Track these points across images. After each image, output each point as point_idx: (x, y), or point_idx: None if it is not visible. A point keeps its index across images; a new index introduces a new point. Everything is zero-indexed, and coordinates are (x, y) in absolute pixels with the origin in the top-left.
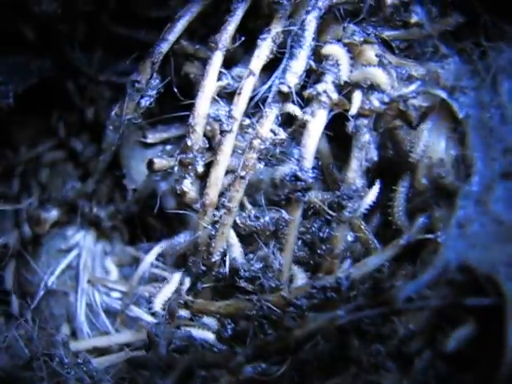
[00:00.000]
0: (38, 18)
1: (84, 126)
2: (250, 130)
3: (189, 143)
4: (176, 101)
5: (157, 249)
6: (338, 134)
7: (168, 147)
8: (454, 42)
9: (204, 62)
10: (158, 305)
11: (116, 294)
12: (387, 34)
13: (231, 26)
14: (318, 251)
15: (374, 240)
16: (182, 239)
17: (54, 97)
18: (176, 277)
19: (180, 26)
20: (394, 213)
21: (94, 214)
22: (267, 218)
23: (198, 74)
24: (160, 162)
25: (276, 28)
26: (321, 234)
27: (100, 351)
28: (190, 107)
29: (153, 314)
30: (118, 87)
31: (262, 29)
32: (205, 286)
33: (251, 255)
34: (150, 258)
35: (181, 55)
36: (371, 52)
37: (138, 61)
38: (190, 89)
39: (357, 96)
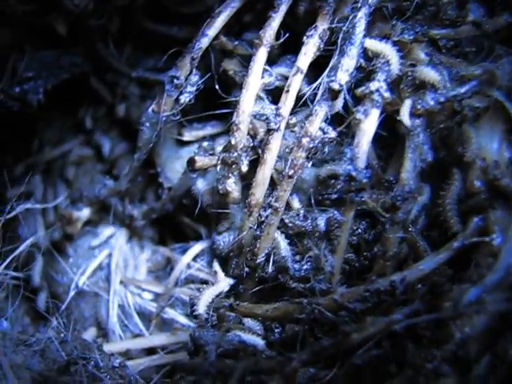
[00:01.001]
0: (70, 13)
1: (113, 122)
2: (296, 129)
3: (233, 141)
4: (212, 97)
5: (194, 249)
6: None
7: (204, 145)
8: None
9: (243, 59)
10: (201, 307)
11: (149, 296)
12: (435, 32)
13: (275, 22)
14: (365, 253)
15: (422, 242)
16: (221, 240)
17: (82, 93)
18: (221, 279)
19: (220, 21)
20: (446, 214)
21: (126, 212)
22: (318, 219)
23: (237, 70)
24: (202, 161)
25: (322, 25)
26: (367, 236)
27: (133, 354)
28: (228, 104)
29: (195, 317)
30: (150, 84)
31: (301, 26)
32: (248, 288)
33: (298, 256)
34: (187, 258)
35: (219, 51)
36: (420, 51)
37: (171, 57)
38: (228, 85)
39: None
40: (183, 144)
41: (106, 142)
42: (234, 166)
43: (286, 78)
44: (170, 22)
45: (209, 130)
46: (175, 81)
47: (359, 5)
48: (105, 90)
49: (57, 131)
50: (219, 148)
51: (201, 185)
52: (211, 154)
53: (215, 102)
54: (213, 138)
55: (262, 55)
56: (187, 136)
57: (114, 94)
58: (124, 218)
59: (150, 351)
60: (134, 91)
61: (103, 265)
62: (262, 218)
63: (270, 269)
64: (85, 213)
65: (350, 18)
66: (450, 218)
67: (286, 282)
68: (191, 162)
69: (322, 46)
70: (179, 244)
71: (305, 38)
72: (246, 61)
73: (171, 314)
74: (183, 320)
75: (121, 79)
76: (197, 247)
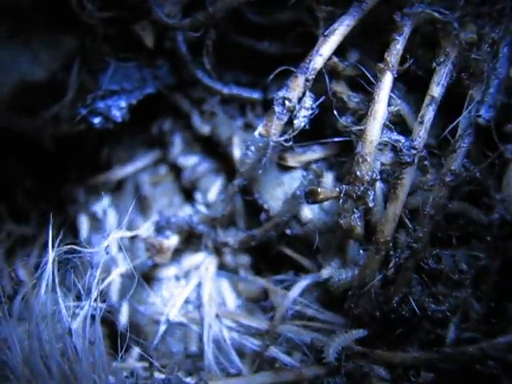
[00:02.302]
0: (157, 23)
1: (195, 140)
2: (426, 163)
3: (358, 174)
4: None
5: (302, 283)
6: None
7: (314, 168)
8: None
9: (350, 81)
10: (331, 354)
11: (248, 331)
12: None
13: (400, 45)
14: None
15: None
16: (337, 277)
17: (159, 108)
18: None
19: (334, 40)
20: None
21: (219, 240)
22: (462, 263)
23: (351, 94)
24: (324, 193)
25: (453, 51)
26: None
27: None
28: (331, 128)
29: (323, 364)
30: (242, 101)
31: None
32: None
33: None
34: (295, 292)
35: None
36: None
37: (264, 74)
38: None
39: None
40: (284, 169)
41: (186, 161)
42: (359, 201)
43: None
44: (255, 36)
45: (312, 154)
46: (287, 103)
47: (499, 33)
48: (188, 106)
49: (127, 147)
50: (328, 176)
51: (309, 214)
52: (318, 183)
53: (320, 125)
54: (316, 162)
55: (388, 81)
56: (291, 161)
57: (199, 110)
58: (216, 245)
59: None
60: (223, 109)
61: (191, 296)
62: (397, 260)
63: (405, 311)
64: (173, 241)
65: (486, 45)
66: None
67: (421, 326)
68: (312, 193)
69: (454, 74)
70: (278, 276)
71: (434, 65)
72: (353, 83)
73: (273, 351)
74: (286, 359)
75: (208, 95)
76: (304, 281)
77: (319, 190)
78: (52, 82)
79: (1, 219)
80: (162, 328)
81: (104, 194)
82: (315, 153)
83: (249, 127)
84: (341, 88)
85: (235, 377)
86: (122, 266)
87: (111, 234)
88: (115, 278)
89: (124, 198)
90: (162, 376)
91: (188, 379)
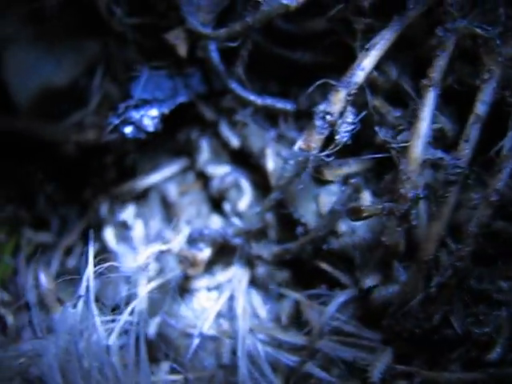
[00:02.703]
0: (191, 32)
1: (224, 150)
2: (470, 181)
3: (402, 192)
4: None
5: (340, 298)
6: None
7: (352, 182)
8: None
9: (388, 96)
10: (376, 375)
11: (282, 346)
12: None
13: (443, 62)
14: None
15: None
16: (378, 293)
17: (187, 116)
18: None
19: (375, 54)
20: None
21: (253, 253)
22: (503, 282)
23: (386, 108)
24: (368, 210)
25: (497, 69)
26: None
27: None
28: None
29: None
30: (272, 112)
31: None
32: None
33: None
34: (333, 307)
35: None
36: None
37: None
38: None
39: None
40: (320, 183)
41: (215, 170)
42: (403, 219)
43: None
44: (286, 46)
45: (349, 169)
46: (328, 117)
47: None
48: (217, 116)
49: (152, 155)
50: (366, 191)
51: (346, 229)
52: (355, 199)
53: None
54: (353, 177)
55: (431, 98)
56: (327, 175)
57: (229, 120)
58: (250, 258)
59: None
60: (254, 119)
61: (223, 309)
62: (440, 278)
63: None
64: (206, 253)
65: None
66: None
67: (462, 344)
68: (356, 211)
69: (498, 91)
70: (311, 290)
71: (478, 82)
72: (390, 98)
73: (309, 367)
74: (323, 374)
75: (238, 105)
76: (342, 296)
77: (362, 207)
78: (74, 87)
79: (21, 226)
80: (195, 341)
81: (129, 203)
82: (352, 167)
83: (281, 138)
84: (380, 102)
85: None
86: (155, 279)
87: (147, 250)
88: (147, 291)
89: (150, 208)
90: None
91: None
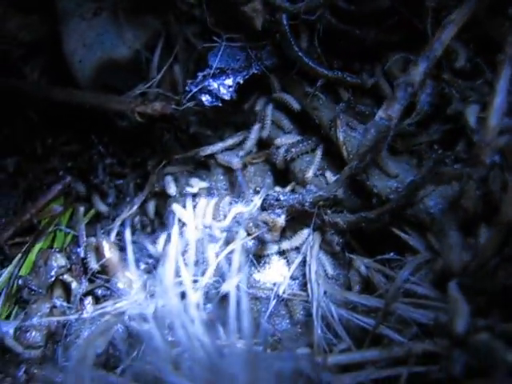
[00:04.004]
0: (269, 5)
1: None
2: None
3: (480, 158)
4: None
5: (413, 263)
6: None
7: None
8: None
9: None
10: (461, 326)
11: (355, 308)
12: None
13: None
14: None
15: None
16: (456, 256)
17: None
18: None
19: (452, 29)
20: None
21: (329, 220)
22: None
23: (456, 81)
24: (450, 174)
25: None
26: None
27: (341, 368)
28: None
29: (452, 338)
30: (342, 85)
31: None
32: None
33: None
34: (407, 271)
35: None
36: None
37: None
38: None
39: None
40: (395, 154)
41: (281, 141)
42: (481, 183)
43: None
44: (352, 23)
45: (420, 139)
46: (409, 89)
47: None
48: (286, 88)
49: (215, 125)
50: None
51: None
52: None
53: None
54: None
55: (508, 72)
56: (400, 145)
57: (298, 93)
58: (325, 225)
59: (360, 366)
60: (323, 92)
61: (297, 273)
62: None
63: None
64: (282, 218)
65: None
66: None
67: None
68: (439, 176)
69: None
70: (379, 256)
71: None
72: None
73: (382, 329)
74: (396, 336)
75: (307, 79)
76: (415, 260)
77: (445, 172)
78: (135, 61)
79: (78, 196)
80: (271, 304)
81: (193, 174)
82: (423, 137)
83: (350, 110)
84: (451, 76)
85: (346, 352)
86: (230, 243)
87: (232, 210)
88: (224, 254)
89: (214, 178)
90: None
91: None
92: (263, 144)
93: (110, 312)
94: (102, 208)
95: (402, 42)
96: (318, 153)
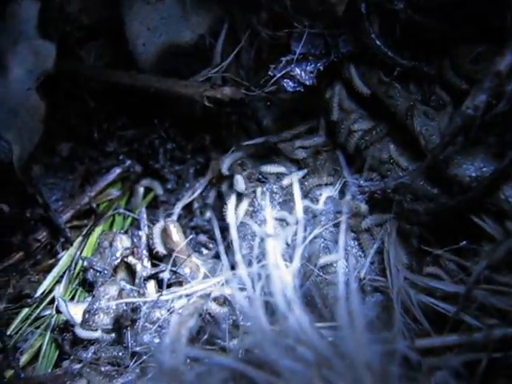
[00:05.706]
0: None
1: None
2: None
3: None
4: None
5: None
6: None
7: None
8: None
9: None
10: None
11: (434, 294)
12: None
13: None
14: None
15: None
16: None
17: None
18: None
19: None
20: None
21: (408, 207)
22: None
23: None
24: None
25: None
26: None
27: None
28: None
29: None
30: (418, 75)
31: None
32: None
33: None
34: (489, 257)
35: None
36: None
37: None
38: None
39: None
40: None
41: (354, 127)
42: None
43: None
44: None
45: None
46: (496, 80)
47: None
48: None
49: (280, 113)
50: None
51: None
52: None
53: None
54: None
55: None
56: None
57: (372, 80)
58: (404, 212)
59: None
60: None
61: (375, 259)
62: None
63: None
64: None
65: None
66: None
67: None
68: None
69: None
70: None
71: None
72: None
73: (462, 314)
74: (475, 322)
75: (380, 69)
76: (497, 247)
77: None
78: (199, 45)
79: (138, 180)
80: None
81: (258, 161)
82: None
83: (426, 100)
84: None
85: (426, 337)
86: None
87: (322, 195)
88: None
89: (281, 166)
90: None
91: None
92: (332, 132)
93: (182, 296)
94: (162, 193)
95: (469, 34)
96: (392, 141)
